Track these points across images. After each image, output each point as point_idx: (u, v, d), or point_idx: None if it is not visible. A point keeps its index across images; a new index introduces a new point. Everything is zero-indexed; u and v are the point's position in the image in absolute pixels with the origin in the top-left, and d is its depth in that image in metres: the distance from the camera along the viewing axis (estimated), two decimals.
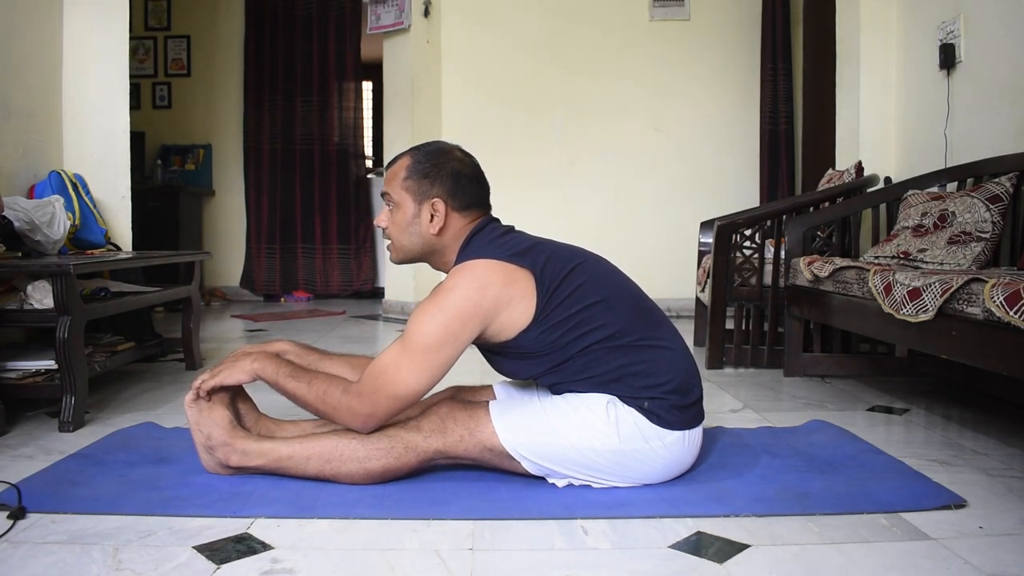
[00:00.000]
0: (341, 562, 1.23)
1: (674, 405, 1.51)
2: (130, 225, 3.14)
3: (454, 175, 1.57)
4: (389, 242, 1.63)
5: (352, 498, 1.47)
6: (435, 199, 1.56)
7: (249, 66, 5.63)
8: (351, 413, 1.47)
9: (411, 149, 1.63)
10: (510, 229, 1.62)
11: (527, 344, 1.50)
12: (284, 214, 5.68)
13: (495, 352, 1.59)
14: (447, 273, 1.57)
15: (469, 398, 1.74)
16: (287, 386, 1.52)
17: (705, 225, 3.53)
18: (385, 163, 4.78)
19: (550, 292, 1.48)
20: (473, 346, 1.57)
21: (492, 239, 1.55)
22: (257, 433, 1.67)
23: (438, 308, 1.45)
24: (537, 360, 1.53)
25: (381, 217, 1.62)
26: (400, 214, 1.58)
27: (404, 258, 1.63)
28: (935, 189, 2.70)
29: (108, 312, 2.36)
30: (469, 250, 1.55)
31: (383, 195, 1.62)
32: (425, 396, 1.70)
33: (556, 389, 1.58)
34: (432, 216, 1.56)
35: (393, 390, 1.44)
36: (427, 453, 1.51)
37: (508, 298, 1.46)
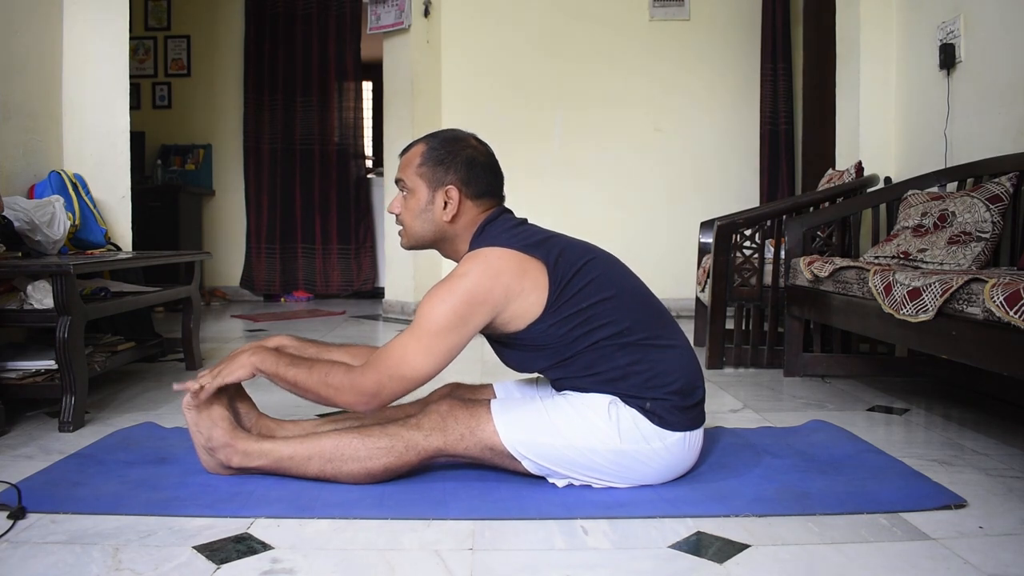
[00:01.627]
0: (341, 562, 1.23)
1: (676, 406, 1.50)
2: (130, 225, 3.14)
3: (468, 162, 1.57)
4: (400, 228, 1.63)
5: (352, 498, 1.46)
6: (449, 186, 1.55)
7: (249, 66, 5.64)
8: (354, 391, 1.45)
9: (426, 136, 1.63)
10: (524, 221, 1.62)
11: (536, 336, 1.50)
12: (284, 214, 5.68)
13: (503, 344, 1.59)
14: (457, 262, 1.57)
15: (468, 396, 1.74)
16: (287, 374, 1.50)
17: (705, 225, 3.53)
18: (385, 164, 4.79)
19: (562, 285, 1.48)
20: (478, 341, 1.56)
21: (506, 229, 1.55)
22: (257, 433, 1.67)
23: (449, 292, 1.44)
24: (545, 353, 1.52)
25: (394, 203, 1.62)
26: (414, 200, 1.58)
27: (415, 244, 1.63)
28: (935, 189, 2.70)
29: (108, 312, 2.36)
30: (483, 238, 1.55)
31: (397, 181, 1.61)
32: (425, 393, 1.70)
33: (560, 385, 1.58)
34: (446, 203, 1.56)
35: (399, 371, 1.43)
36: (428, 452, 1.51)
37: (520, 288, 1.46)
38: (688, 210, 4.63)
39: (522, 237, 1.52)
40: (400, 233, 1.64)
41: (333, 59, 5.60)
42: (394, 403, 1.58)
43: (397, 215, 1.62)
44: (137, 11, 5.51)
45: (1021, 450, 1.85)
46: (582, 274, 1.50)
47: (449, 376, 1.77)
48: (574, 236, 1.65)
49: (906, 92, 3.21)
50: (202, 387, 1.56)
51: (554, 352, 1.51)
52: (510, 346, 1.57)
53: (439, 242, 1.61)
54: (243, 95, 5.67)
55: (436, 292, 1.46)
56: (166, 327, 3.47)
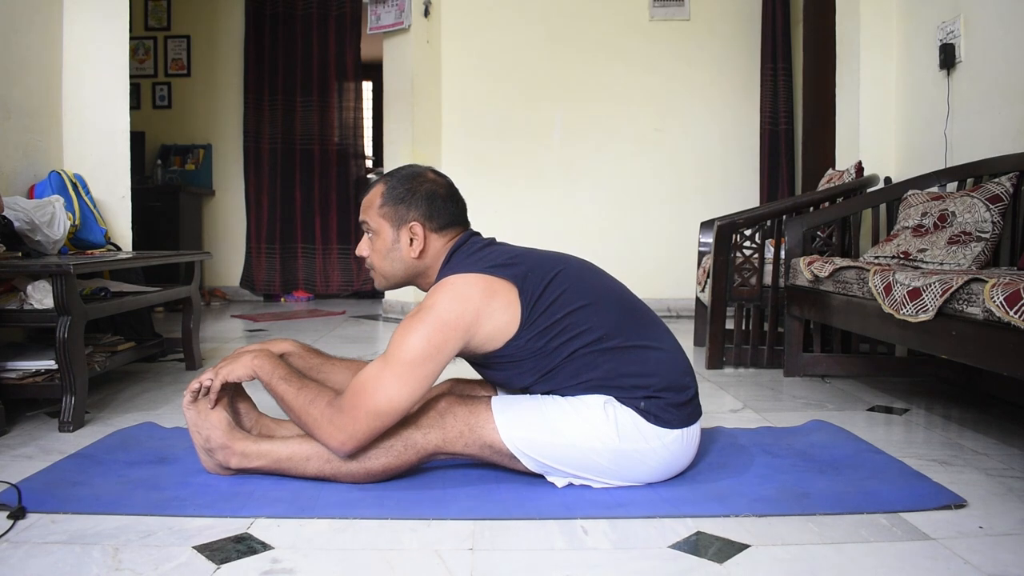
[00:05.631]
0: (341, 562, 1.23)
1: (670, 403, 1.51)
2: (130, 225, 3.14)
3: (429, 197, 1.59)
4: (372, 270, 1.64)
5: (352, 498, 1.47)
6: (412, 223, 1.57)
7: (249, 66, 5.64)
8: (332, 427, 1.43)
9: (384, 176, 1.65)
10: (491, 242, 1.63)
11: (514, 353, 1.50)
12: (284, 214, 5.69)
13: (483, 365, 1.60)
14: None
15: (468, 392, 1.74)
16: (278, 388, 1.52)
17: (705, 225, 3.53)
18: (385, 164, 4.79)
19: (533, 301, 1.49)
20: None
21: (471, 253, 1.56)
22: (257, 433, 1.67)
23: (420, 322, 1.44)
24: (525, 368, 1.53)
25: (362, 246, 1.64)
26: (380, 241, 1.60)
27: (389, 284, 1.65)
28: (935, 189, 2.70)
29: (108, 312, 2.36)
30: (449, 267, 1.56)
31: (361, 224, 1.63)
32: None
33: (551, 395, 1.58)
34: (411, 240, 1.58)
35: (374, 405, 1.41)
36: (426, 450, 1.51)
37: (490, 310, 1.47)
38: (688, 210, 4.64)
39: (488, 259, 1.53)
40: (372, 275, 1.66)
41: (333, 59, 5.60)
42: None
43: (366, 258, 1.63)
44: (137, 11, 5.51)
45: (1021, 450, 1.85)
46: (553, 287, 1.51)
47: (449, 373, 1.77)
48: (568, 239, 1.66)
49: (906, 92, 3.21)
50: (201, 385, 1.57)
51: (534, 366, 1.52)
52: (490, 366, 1.58)
53: (412, 278, 1.63)
54: (243, 95, 5.67)
55: (408, 323, 1.46)
56: (166, 327, 3.47)
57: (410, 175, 1.62)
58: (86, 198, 2.88)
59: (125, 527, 1.34)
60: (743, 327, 3.04)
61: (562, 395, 1.54)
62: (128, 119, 3.11)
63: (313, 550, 1.27)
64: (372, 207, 1.60)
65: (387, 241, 1.59)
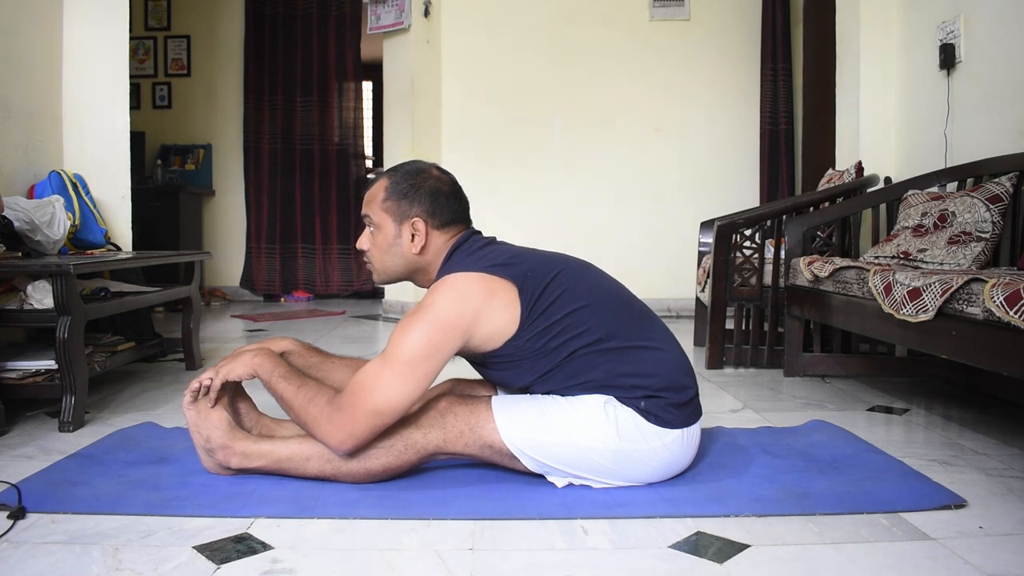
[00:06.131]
0: (341, 562, 1.23)
1: (670, 403, 1.51)
2: (130, 225, 3.14)
3: (432, 193, 1.59)
4: (370, 264, 1.64)
5: (352, 498, 1.47)
6: (415, 218, 1.57)
7: (249, 66, 5.64)
8: (331, 425, 1.43)
9: (388, 170, 1.65)
10: (491, 241, 1.63)
11: (513, 352, 1.51)
12: (284, 214, 5.69)
13: (483, 364, 1.60)
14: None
15: (468, 392, 1.74)
16: (277, 387, 1.52)
17: (705, 225, 3.53)
18: (385, 164, 4.79)
19: (533, 301, 1.49)
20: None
21: (472, 252, 1.56)
22: (257, 433, 1.67)
23: (419, 321, 1.44)
24: (524, 368, 1.53)
25: (363, 240, 1.63)
26: (381, 236, 1.60)
27: (387, 279, 1.65)
28: (935, 189, 2.70)
29: (108, 312, 2.36)
30: (450, 264, 1.56)
31: (363, 217, 1.63)
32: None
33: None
34: (413, 235, 1.58)
35: (373, 404, 1.41)
36: (427, 450, 1.51)
37: (490, 309, 1.47)
38: (688, 210, 4.63)
39: (489, 258, 1.53)
40: (371, 269, 1.66)
41: (333, 59, 5.60)
42: None
43: (365, 251, 1.63)
44: (137, 11, 5.51)
45: (1021, 450, 1.85)
46: (553, 287, 1.51)
47: (449, 372, 1.77)
48: (568, 239, 1.66)
49: (906, 92, 3.21)
50: (201, 384, 1.57)
51: (533, 366, 1.52)
52: (490, 366, 1.58)
53: (411, 273, 1.63)
54: (243, 95, 5.67)
55: (407, 322, 1.46)
56: (166, 327, 3.47)
57: (414, 171, 1.62)
58: (86, 198, 2.88)
59: (125, 527, 1.34)
60: (743, 327, 3.04)
61: (562, 395, 1.54)
62: (128, 119, 3.11)
63: (313, 550, 1.27)
64: (375, 201, 1.60)
65: (389, 236, 1.59)
